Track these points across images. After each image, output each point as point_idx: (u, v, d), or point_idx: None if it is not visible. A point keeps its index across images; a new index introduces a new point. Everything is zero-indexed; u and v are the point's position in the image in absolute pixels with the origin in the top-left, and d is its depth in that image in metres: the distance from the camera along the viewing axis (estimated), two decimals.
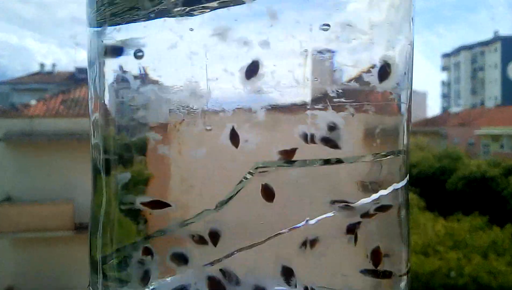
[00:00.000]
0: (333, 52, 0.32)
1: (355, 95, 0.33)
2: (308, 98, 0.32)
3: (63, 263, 9.52)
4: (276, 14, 0.32)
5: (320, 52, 0.32)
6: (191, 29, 0.32)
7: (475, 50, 52.04)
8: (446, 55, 58.63)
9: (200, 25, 0.32)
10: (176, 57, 0.32)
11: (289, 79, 0.32)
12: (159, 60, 0.33)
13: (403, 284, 0.36)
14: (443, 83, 60.23)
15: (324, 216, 0.33)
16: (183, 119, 0.33)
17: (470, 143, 27.29)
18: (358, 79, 0.33)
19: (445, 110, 49.70)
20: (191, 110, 0.32)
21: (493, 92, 48.61)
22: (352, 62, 0.33)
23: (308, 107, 0.32)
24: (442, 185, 17.46)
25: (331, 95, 0.32)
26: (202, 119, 0.32)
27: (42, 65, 18.08)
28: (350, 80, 0.33)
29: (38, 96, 13.07)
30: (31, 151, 10.57)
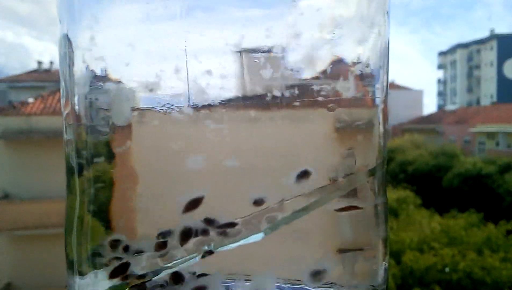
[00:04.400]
0: (287, 49, 0.32)
1: (320, 89, 0.33)
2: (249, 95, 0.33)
3: (61, 260, 9.51)
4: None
5: (273, 50, 0.32)
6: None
7: (471, 48, 52.08)
8: (442, 53, 58.66)
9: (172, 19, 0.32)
10: (134, 56, 0.33)
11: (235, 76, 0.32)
12: (118, 60, 0.34)
13: (379, 275, 0.37)
14: (439, 81, 60.32)
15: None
16: (143, 118, 0.33)
17: (466, 141, 27.39)
18: (323, 74, 0.33)
19: (441, 108, 49.80)
20: (150, 108, 0.33)
21: (489, 90, 48.70)
22: (313, 58, 0.33)
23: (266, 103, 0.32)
24: (438, 182, 17.52)
25: (284, 93, 0.32)
26: (165, 117, 0.33)
27: (39, 63, 18.05)
28: (308, 78, 0.33)
29: (35, 94, 13.06)
30: (28, 148, 10.56)
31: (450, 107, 37.00)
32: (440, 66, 59.02)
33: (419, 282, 8.56)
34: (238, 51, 0.32)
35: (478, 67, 51.24)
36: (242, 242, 0.33)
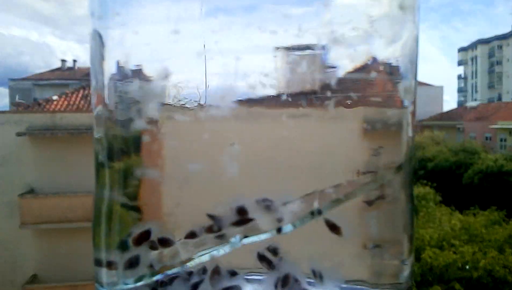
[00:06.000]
0: (325, 47, 0.33)
1: (354, 88, 0.33)
2: (296, 92, 0.33)
3: (84, 253, 9.69)
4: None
5: (311, 47, 0.32)
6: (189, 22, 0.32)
7: (493, 44, 51.10)
8: (463, 49, 57.69)
9: (197, 21, 0.32)
10: (170, 53, 0.33)
11: (277, 73, 0.33)
12: (150, 56, 0.34)
13: (405, 272, 0.36)
14: (459, 77, 59.37)
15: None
16: (175, 113, 0.33)
17: (486, 137, 26.95)
18: (356, 72, 0.33)
19: (461, 104, 49.02)
20: (183, 104, 0.33)
21: (510, 86, 47.76)
22: (348, 56, 0.33)
23: (300, 101, 0.33)
24: (459, 179, 17.27)
25: (324, 90, 0.33)
26: (195, 114, 0.33)
27: (63, 61, 18.28)
28: (346, 74, 0.33)
29: (59, 91, 13.25)
30: (53, 145, 10.70)
31: (471, 103, 36.38)
32: (461, 62, 58.03)
33: (438, 279, 8.50)
34: (277, 49, 0.32)
35: (499, 63, 50.25)
36: (270, 234, 0.33)
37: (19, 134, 10.48)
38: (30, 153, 10.74)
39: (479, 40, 53.38)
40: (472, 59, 54.84)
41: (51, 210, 10.30)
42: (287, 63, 0.32)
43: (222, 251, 0.33)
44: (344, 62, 0.33)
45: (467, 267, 8.56)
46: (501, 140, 26.22)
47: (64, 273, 10.08)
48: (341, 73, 0.33)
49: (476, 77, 53.96)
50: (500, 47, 50.11)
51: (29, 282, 10.26)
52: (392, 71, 0.35)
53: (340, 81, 0.33)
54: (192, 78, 0.33)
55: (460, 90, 59.42)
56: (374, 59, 0.34)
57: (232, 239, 0.33)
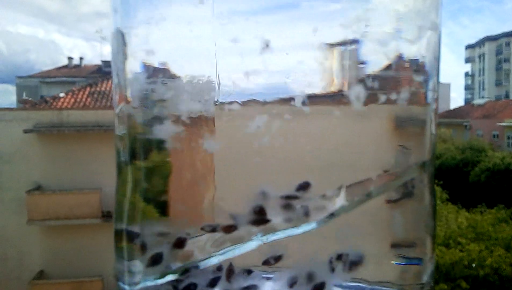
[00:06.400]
0: (358, 43, 0.33)
1: (383, 85, 0.33)
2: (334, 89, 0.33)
3: (91, 250, 9.75)
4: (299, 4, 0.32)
5: (344, 44, 0.32)
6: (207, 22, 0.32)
7: (500, 41, 50.76)
8: (470, 46, 57.35)
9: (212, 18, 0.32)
10: (194, 51, 0.33)
11: (316, 70, 0.33)
12: (178, 54, 0.34)
13: (428, 271, 0.36)
14: (466, 74, 59.05)
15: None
16: (203, 112, 0.33)
17: (494, 135, 26.80)
18: (385, 70, 0.33)
19: (468, 101, 48.77)
20: (211, 102, 0.33)
21: None
22: (378, 53, 0.33)
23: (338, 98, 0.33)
24: (465, 177, 17.22)
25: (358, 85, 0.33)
26: (223, 111, 0.33)
27: (70, 59, 18.34)
28: (377, 71, 0.33)
29: (66, 89, 13.30)
30: (60, 142, 10.74)
31: (478, 101, 36.19)
32: (468, 60, 57.72)
33: (445, 277, 8.48)
34: (317, 45, 0.32)
35: (507, 60, 49.92)
36: (294, 231, 0.33)
37: (26, 131, 10.52)
38: (37, 150, 10.79)
39: (486, 37, 53.03)
40: (479, 56, 54.51)
41: (58, 207, 10.35)
42: (323, 60, 0.32)
43: (241, 250, 0.33)
44: (374, 59, 0.33)
45: (473, 265, 8.53)
46: (508, 137, 26.06)
47: (70, 269, 10.14)
48: (371, 70, 0.33)
49: (483, 75, 53.65)
50: (508, 44, 49.77)
51: (36, 278, 10.33)
52: (418, 68, 0.35)
53: (370, 77, 0.33)
54: (221, 75, 0.32)
55: (467, 88, 59.11)
56: (401, 56, 0.34)
57: (253, 237, 0.33)
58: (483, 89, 53.53)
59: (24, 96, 15.70)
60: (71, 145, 10.64)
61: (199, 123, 0.33)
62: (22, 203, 10.33)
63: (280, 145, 0.33)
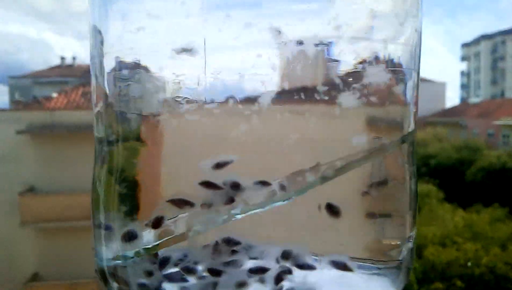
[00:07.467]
0: (330, 43, 0.32)
1: (356, 84, 0.33)
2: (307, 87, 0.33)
3: (85, 252, 9.73)
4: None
5: (316, 43, 0.32)
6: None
7: (496, 39, 50.96)
8: (466, 45, 57.59)
9: (197, 15, 0.32)
10: (165, 48, 0.33)
11: (283, 68, 0.32)
12: (150, 51, 0.34)
13: (406, 248, 0.37)
14: (462, 73, 59.26)
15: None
16: (175, 109, 0.33)
17: (489, 134, 26.89)
18: (358, 69, 0.33)
19: (464, 100, 48.97)
20: (183, 99, 0.33)
21: None
22: (351, 53, 0.33)
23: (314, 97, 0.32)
24: (461, 176, 17.26)
25: (325, 86, 0.32)
26: (195, 109, 0.33)
27: (62, 58, 18.32)
28: (349, 71, 0.33)
29: (59, 89, 13.27)
30: (52, 143, 10.74)
31: (473, 99, 36.32)
32: (464, 58, 57.96)
33: (440, 276, 8.47)
34: (280, 44, 0.32)
35: (503, 58, 50.14)
36: (270, 206, 0.32)
37: (19, 132, 10.49)
38: (30, 151, 10.77)
39: (482, 35, 53.24)
40: (475, 55, 54.73)
41: (51, 209, 10.35)
42: (290, 59, 0.32)
43: (219, 223, 0.33)
44: (347, 58, 0.33)
45: (469, 264, 8.53)
46: (504, 136, 26.16)
47: (65, 271, 10.12)
48: (343, 69, 0.33)
49: (479, 73, 53.85)
50: (503, 42, 49.94)
51: (30, 280, 10.29)
52: (394, 67, 0.35)
53: (342, 77, 0.33)
54: (193, 74, 0.32)
55: (463, 86, 59.33)
56: (376, 56, 0.34)
57: (231, 212, 0.33)
58: (479, 87, 53.75)
59: (16, 97, 15.65)
60: (64, 146, 10.63)
61: (172, 121, 0.33)
62: (15, 205, 10.29)
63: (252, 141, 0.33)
